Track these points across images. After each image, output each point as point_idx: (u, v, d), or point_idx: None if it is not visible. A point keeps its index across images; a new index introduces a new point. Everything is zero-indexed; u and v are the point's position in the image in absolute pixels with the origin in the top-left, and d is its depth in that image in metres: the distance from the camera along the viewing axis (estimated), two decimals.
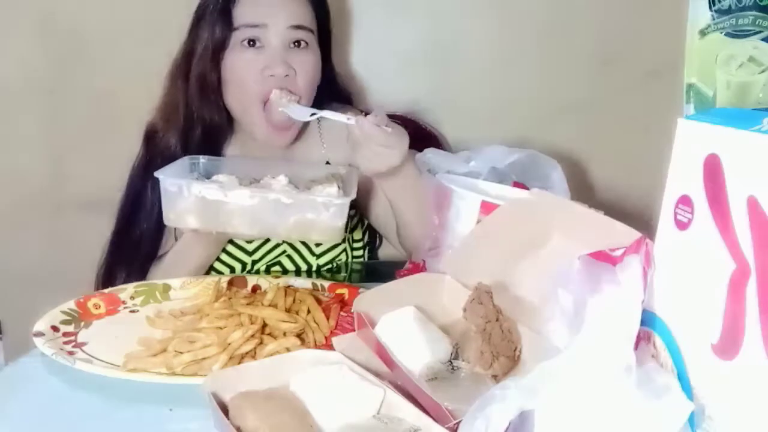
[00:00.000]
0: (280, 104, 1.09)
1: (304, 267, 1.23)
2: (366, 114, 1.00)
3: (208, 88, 1.13)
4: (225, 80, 1.13)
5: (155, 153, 1.16)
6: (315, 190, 0.98)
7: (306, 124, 1.18)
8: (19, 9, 1.50)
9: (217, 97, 1.15)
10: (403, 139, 0.99)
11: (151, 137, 1.19)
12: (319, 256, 1.23)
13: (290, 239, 1.15)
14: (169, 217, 0.96)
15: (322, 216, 0.92)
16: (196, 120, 1.15)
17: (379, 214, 1.24)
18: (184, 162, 1.06)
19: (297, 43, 1.12)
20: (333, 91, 1.25)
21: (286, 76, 1.10)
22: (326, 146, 1.24)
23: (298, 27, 1.12)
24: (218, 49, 1.11)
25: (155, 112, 1.19)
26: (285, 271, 1.21)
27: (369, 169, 1.02)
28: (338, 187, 0.98)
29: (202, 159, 1.08)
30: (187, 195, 0.93)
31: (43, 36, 1.52)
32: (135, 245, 1.16)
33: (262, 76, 1.10)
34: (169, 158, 1.08)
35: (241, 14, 1.11)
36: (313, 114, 1.05)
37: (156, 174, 0.94)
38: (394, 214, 1.13)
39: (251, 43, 1.10)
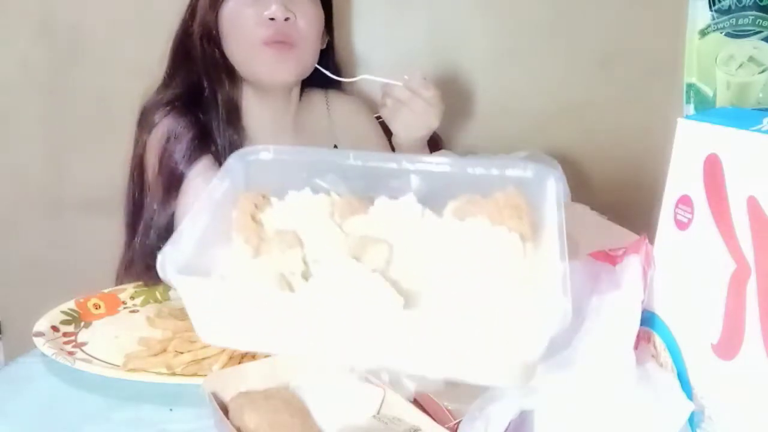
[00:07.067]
0: None
1: None
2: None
3: (211, 43, 1.12)
4: (225, 32, 1.12)
5: (171, 130, 1.12)
6: None
7: (312, 97, 1.23)
8: (19, 9, 1.50)
9: (221, 52, 1.13)
10: (441, 99, 1.00)
11: (147, 118, 1.15)
12: None
13: None
14: None
15: None
16: (208, 83, 1.13)
17: None
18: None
19: None
20: (327, 62, 1.22)
21: (287, 19, 1.09)
22: (332, 117, 1.24)
23: None
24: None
25: (160, 90, 1.17)
26: None
27: (407, 135, 1.02)
28: None
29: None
30: None
31: (43, 36, 1.52)
32: (150, 230, 1.11)
33: (262, 19, 1.09)
34: (186, 129, 1.08)
35: None
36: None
37: None
38: None
39: None
